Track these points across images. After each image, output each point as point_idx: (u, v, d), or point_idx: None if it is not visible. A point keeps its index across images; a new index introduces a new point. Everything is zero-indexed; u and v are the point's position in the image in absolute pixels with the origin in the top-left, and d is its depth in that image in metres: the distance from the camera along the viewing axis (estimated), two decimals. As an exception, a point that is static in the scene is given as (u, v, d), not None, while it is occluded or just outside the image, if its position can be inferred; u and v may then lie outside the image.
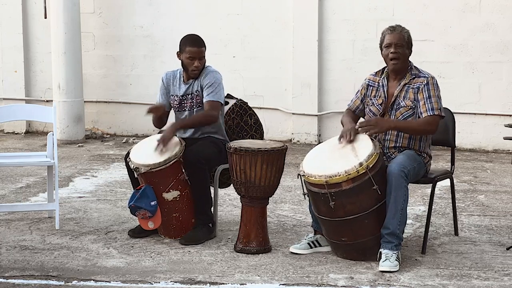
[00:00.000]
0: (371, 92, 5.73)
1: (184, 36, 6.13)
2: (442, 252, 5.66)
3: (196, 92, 6.08)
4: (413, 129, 5.53)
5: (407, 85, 5.60)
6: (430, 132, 5.57)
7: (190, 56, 6.01)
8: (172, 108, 6.22)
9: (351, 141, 5.47)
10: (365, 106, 5.74)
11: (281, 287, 5.03)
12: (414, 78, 5.60)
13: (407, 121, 5.55)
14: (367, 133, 5.46)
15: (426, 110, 5.51)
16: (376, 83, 5.72)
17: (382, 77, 5.71)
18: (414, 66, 5.66)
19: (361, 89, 5.78)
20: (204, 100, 6.01)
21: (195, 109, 6.10)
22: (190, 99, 6.11)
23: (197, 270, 5.31)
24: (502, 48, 9.53)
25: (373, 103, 5.68)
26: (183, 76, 6.15)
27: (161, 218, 5.86)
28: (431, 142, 5.75)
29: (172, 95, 6.18)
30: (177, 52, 6.10)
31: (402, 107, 5.58)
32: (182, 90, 6.13)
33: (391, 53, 5.58)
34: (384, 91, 5.66)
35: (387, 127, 5.51)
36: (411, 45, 5.65)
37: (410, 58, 5.65)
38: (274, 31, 10.24)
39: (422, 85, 5.55)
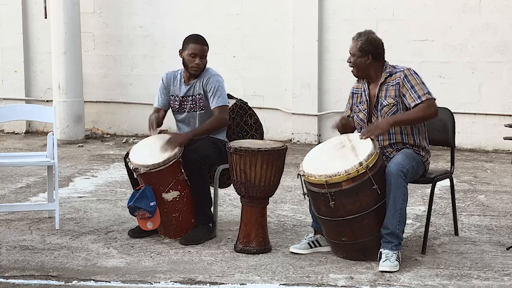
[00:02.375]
0: (356, 99, 5.76)
1: (188, 35, 6.17)
2: (442, 252, 5.66)
3: (198, 95, 6.08)
4: (413, 118, 5.50)
5: (385, 84, 5.61)
6: (432, 116, 5.53)
7: (192, 53, 6.03)
8: (171, 108, 6.23)
9: (342, 125, 5.63)
10: (354, 113, 5.76)
11: (281, 287, 5.03)
12: (390, 76, 5.61)
13: (405, 113, 5.54)
14: (372, 136, 5.47)
15: (414, 100, 5.49)
16: (360, 90, 5.76)
17: (363, 82, 5.73)
18: (390, 65, 5.66)
19: (349, 99, 5.84)
20: (213, 107, 6.02)
21: (197, 112, 6.10)
22: (191, 101, 6.11)
23: (197, 270, 5.31)
24: (502, 48, 9.53)
25: (359, 109, 5.71)
26: (184, 77, 6.16)
27: (161, 219, 5.87)
28: (427, 136, 5.73)
29: (172, 95, 6.19)
30: (180, 50, 6.12)
31: (385, 106, 5.58)
32: (183, 91, 6.14)
33: (347, 61, 5.68)
34: (366, 95, 5.68)
35: (386, 125, 5.50)
36: (371, 50, 5.57)
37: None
38: (274, 31, 10.24)
39: (401, 79, 5.54)
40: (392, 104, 5.57)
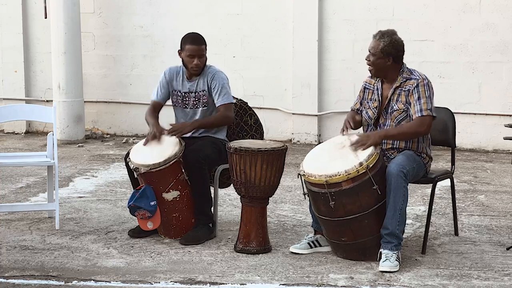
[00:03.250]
0: (368, 94, 5.74)
1: (185, 35, 6.16)
2: (442, 252, 5.66)
3: (202, 91, 6.09)
4: (404, 133, 5.50)
5: (399, 88, 5.58)
6: (422, 134, 5.53)
7: (190, 54, 6.04)
8: (173, 103, 6.22)
9: (351, 128, 5.56)
10: (363, 108, 5.74)
11: (281, 287, 5.03)
12: (405, 81, 5.57)
13: (397, 127, 5.52)
14: (362, 148, 5.43)
15: (416, 112, 5.48)
16: (372, 86, 5.73)
17: (377, 80, 5.71)
18: (407, 68, 5.63)
19: (360, 92, 5.80)
20: (219, 104, 6.03)
21: (200, 108, 6.11)
22: (194, 97, 6.11)
23: (197, 270, 5.31)
24: (502, 48, 9.53)
25: (369, 106, 5.69)
26: (186, 74, 6.17)
27: (161, 219, 5.86)
28: (430, 142, 5.74)
29: (174, 90, 6.19)
30: (178, 50, 6.12)
31: (395, 110, 5.57)
32: (186, 87, 6.14)
33: (365, 59, 5.63)
34: (378, 94, 5.66)
35: (378, 138, 5.47)
36: (394, 53, 5.53)
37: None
38: (274, 31, 10.24)
39: (413, 87, 5.52)
40: (402, 110, 5.55)
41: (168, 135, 5.95)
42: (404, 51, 5.63)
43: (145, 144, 5.99)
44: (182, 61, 6.11)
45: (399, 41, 5.59)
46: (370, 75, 5.78)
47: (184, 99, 6.15)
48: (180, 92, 6.16)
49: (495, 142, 9.61)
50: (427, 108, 5.47)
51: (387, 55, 5.55)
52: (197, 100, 6.11)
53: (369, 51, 5.60)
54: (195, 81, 6.12)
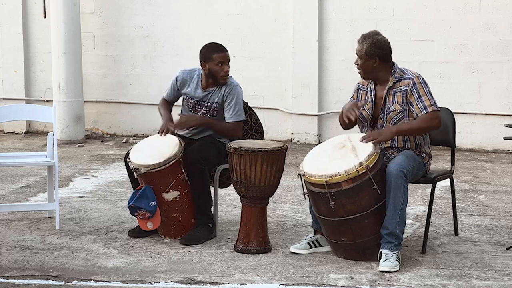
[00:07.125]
0: (361, 96, 5.74)
1: (205, 45, 6.13)
2: (442, 252, 5.67)
3: (215, 103, 6.07)
4: (417, 128, 5.51)
5: (393, 89, 5.58)
6: (435, 128, 5.53)
7: (220, 62, 6.01)
8: (184, 106, 6.22)
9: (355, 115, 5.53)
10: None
11: (281, 287, 5.03)
12: (399, 81, 5.58)
13: (408, 123, 5.53)
14: (373, 142, 5.44)
15: (420, 110, 5.49)
16: (365, 87, 5.73)
17: (370, 81, 5.71)
18: (399, 68, 5.63)
19: (353, 94, 5.81)
20: (229, 120, 6.04)
21: (208, 117, 6.12)
22: (206, 107, 6.10)
23: (197, 270, 5.32)
24: (502, 48, 9.53)
25: (363, 107, 5.68)
26: (201, 81, 6.14)
27: (161, 219, 5.87)
28: (429, 140, 5.74)
29: (186, 95, 6.18)
30: (201, 62, 6.07)
31: (391, 111, 5.57)
32: (199, 94, 6.11)
33: (354, 63, 5.65)
34: (372, 95, 5.66)
35: (390, 134, 5.49)
36: (378, 52, 5.53)
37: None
38: (274, 31, 10.24)
39: (410, 87, 5.52)
40: (398, 111, 5.55)
41: (175, 129, 6.01)
42: (390, 50, 5.62)
43: (160, 134, 6.03)
44: (209, 72, 6.05)
45: (381, 41, 5.59)
46: None
47: (196, 107, 6.14)
48: (192, 99, 6.14)
49: (495, 142, 9.61)
50: (431, 104, 5.49)
51: (372, 56, 5.55)
52: (208, 110, 6.10)
53: (357, 55, 5.62)
54: (210, 92, 6.10)
